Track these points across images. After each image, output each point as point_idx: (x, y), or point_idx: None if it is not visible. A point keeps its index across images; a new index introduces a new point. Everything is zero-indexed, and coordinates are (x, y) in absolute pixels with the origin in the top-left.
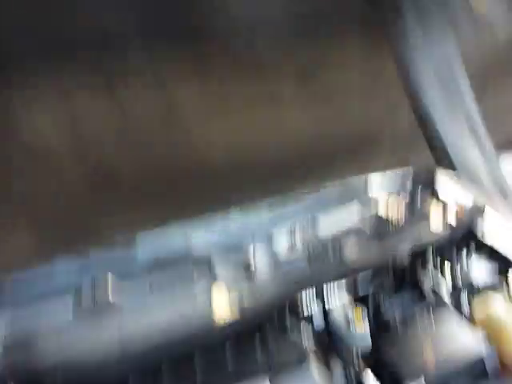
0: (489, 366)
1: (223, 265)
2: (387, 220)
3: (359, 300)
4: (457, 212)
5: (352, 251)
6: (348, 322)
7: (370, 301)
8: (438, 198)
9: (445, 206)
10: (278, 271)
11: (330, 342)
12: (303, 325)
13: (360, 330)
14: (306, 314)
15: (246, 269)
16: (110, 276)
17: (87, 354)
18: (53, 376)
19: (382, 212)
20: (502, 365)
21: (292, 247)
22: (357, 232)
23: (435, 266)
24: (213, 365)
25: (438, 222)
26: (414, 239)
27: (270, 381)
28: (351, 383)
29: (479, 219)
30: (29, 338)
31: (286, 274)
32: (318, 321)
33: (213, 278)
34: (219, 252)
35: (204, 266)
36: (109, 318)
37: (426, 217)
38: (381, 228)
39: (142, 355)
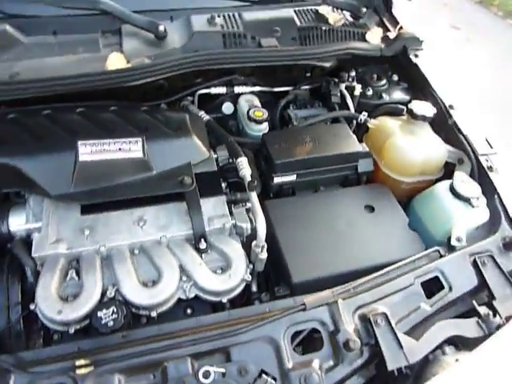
0: (362, 167)
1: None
2: (323, 18)
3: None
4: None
5: (272, 42)
6: (250, 111)
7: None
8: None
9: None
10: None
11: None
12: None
13: (259, 121)
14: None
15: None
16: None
17: None
18: None
19: (322, 11)
20: (376, 174)
21: (211, 21)
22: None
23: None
24: (93, 118)
25: (373, 38)
26: (343, 46)
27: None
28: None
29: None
30: None
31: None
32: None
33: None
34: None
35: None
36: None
37: (364, 29)
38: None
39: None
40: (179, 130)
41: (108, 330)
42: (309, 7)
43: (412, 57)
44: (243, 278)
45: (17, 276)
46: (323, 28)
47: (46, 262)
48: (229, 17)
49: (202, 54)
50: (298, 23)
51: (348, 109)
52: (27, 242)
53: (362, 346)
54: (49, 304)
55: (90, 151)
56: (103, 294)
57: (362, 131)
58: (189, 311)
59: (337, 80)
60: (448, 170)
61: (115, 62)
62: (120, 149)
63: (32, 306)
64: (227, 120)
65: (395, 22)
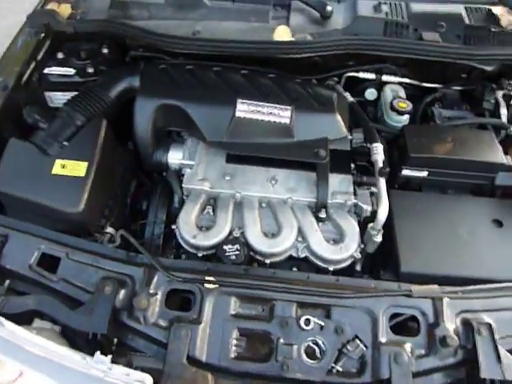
0: (500, 180)
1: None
2: (495, 19)
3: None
4: None
5: (434, 37)
6: (394, 101)
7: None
8: None
9: None
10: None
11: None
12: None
13: (401, 112)
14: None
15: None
16: None
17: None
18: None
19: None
20: None
21: (377, 7)
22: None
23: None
24: (253, 81)
25: None
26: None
27: (293, 109)
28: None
29: None
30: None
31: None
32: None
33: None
34: None
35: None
36: (194, 10)
37: None
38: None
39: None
40: (325, 105)
41: (229, 262)
42: (482, 5)
43: None
44: (352, 255)
45: (166, 200)
46: (493, 29)
47: (190, 194)
48: (395, 6)
49: (362, 39)
50: (467, 21)
51: (500, 117)
52: (178, 174)
53: (458, 347)
54: (187, 228)
55: (246, 109)
56: (230, 232)
57: (509, 143)
58: (294, 269)
59: (494, 86)
60: None
61: (282, 34)
62: (271, 113)
63: (173, 226)
64: (365, 105)
65: None
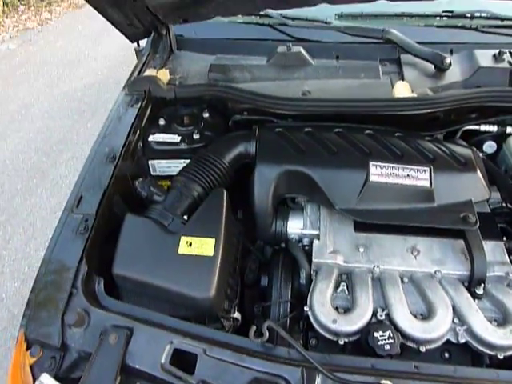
0: None
1: (413, 66)
2: None
3: None
4: None
5: None
6: None
7: None
8: None
9: None
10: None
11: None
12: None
13: None
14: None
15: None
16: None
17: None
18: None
19: None
20: None
21: (498, 57)
22: None
23: None
24: (381, 141)
25: None
26: None
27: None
28: None
29: None
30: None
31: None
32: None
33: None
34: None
35: (392, 62)
36: (299, 69)
37: None
38: None
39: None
40: (465, 164)
41: (384, 352)
42: None
43: None
44: None
45: (289, 275)
46: None
47: (321, 270)
48: None
49: (488, 91)
50: None
51: None
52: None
53: None
54: (325, 311)
55: (380, 173)
56: (373, 314)
57: None
58: (446, 355)
59: None
60: None
61: (402, 90)
62: (408, 175)
63: (306, 308)
64: None
65: None
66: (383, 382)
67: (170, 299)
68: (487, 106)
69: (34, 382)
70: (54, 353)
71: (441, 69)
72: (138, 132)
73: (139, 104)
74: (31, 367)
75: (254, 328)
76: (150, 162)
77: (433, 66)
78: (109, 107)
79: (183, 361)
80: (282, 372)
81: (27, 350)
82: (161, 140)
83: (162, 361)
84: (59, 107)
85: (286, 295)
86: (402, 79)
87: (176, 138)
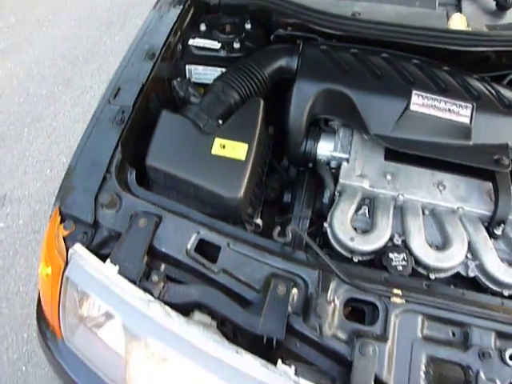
0: None
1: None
2: None
3: None
4: None
5: None
6: None
7: None
8: None
9: None
10: None
11: None
12: None
13: None
14: None
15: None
16: None
17: None
18: None
19: None
20: None
21: None
22: None
23: None
24: (428, 72)
25: None
26: None
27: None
28: None
29: None
30: None
31: None
32: None
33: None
34: None
35: None
36: None
37: None
38: None
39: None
40: (509, 107)
41: (396, 273)
42: None
43: None
44: None
45: (312, 195)
46: None
47: (345, 191)
48: None
49: None
50: None
51: None
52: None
53: None
54: (344, 229)
55: (421, 103)
56: (390, 238)
57: None
58: (452, 287)
59: None
60: None
61: (458, 23)
62: (449, 109)
63: (325, 225)
64: None
65: None
66: (395, 291)
67: (198, 196)
68: None
69: (67, 251)
70: (85, 229)
71: (503, 7)
72: (179, 34)
73: (182, 6)
74: (64, 239)
75: (277, 228)
76: (187, 67)
77: (494, 3)
78: (137, 23)
79: (206, 254)
80: (300, 271)
81: (61, 223)
82: (201, 45)
83: (188, 247)
84: (87, 17)
85: (307, 212)
86: (460, 12)
87: (216, 45)
